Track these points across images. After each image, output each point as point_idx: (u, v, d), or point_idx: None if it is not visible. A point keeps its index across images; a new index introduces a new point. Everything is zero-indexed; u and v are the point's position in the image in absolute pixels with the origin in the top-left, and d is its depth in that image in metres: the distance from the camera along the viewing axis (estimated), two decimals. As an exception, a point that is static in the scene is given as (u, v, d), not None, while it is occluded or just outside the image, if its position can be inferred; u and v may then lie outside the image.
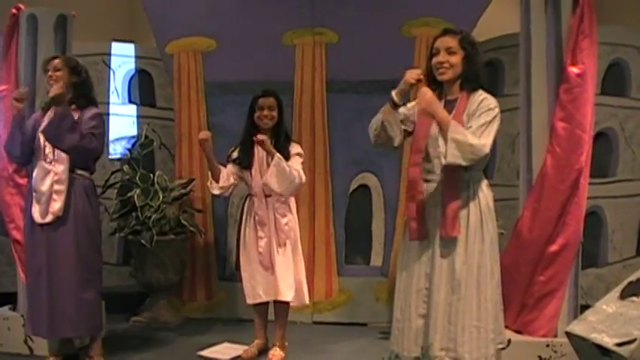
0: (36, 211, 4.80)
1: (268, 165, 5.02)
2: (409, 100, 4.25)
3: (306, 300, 5.30)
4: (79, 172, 4.88)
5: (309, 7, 6.30)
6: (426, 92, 3.91)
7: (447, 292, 3.92)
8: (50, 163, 4.79)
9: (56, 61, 4.88)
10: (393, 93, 4.04)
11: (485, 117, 3.88)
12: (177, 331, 6.10)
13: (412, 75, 3.99)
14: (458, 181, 3.91)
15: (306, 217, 6.29)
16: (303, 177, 5.10)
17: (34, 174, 4.84)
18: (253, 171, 5.15)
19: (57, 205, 4.76)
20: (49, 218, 4.76)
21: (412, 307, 4.03)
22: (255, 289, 5.22)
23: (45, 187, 4.76)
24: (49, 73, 4.84)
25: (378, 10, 6.19)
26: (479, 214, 3.93)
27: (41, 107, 4.97)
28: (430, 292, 3.97)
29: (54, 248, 4.78)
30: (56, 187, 4.77)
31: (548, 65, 4.90)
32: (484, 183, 4.02)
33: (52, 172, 4.78)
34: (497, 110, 3.92)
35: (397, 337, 4.13)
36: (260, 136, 4.97)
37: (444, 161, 3.86)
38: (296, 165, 5.09)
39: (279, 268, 5.12)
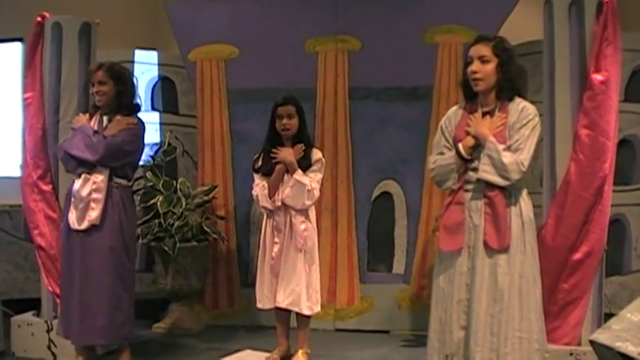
0: (72, 217, 4.82)
1: (288, 172, 5.08)
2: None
3: (318, 308, 5.24)
4: (118, 180, 4.90)
5: (331, 15, 6.32)
6: (480, 126, 3.94)
7: (488, 303, 3.89)
8: (89, 171, 4.82)
9: (100, 73, 4.87)
10: (463, 152, 4.00)
11: (525, 129, 3.88)
12: (199, 338, 6.11)
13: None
14: (504, 192, 3.90)
15: (329, 225, 6.30)
16: (317, 195, 5.13)
17: (77, 180, 4.85)
18: None
19: (94, 213, 4.77)
20: (84, 225, 4.78)
21: (453, 318, 3.99)
22: (264, 293, 5.24)
23: (84, 194, 4.78)
24: (95, 88, 4.87)
25: (401, 18, 6.20)
26: (520, 224, 3.91)
27: (89, 112, 5.03)
28: (470, 303, 3.94)
29: (88, 255, 4.80)
30: (94, 195, 4.78)
31: (571, 72, 4.89)
32: (525, 192, 4.00)
33: (91, 180, 4.80)
34: (536, 119, 3.92)
35: (437, 348, 4.09)
36: (280, 155, 5.07)
37: (471, 173, 3.89)
38: (316, 178, 5.12)
39: (283, 273, 5.12)
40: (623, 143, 5.96)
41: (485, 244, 3.90)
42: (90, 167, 4.80)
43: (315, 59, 6.38)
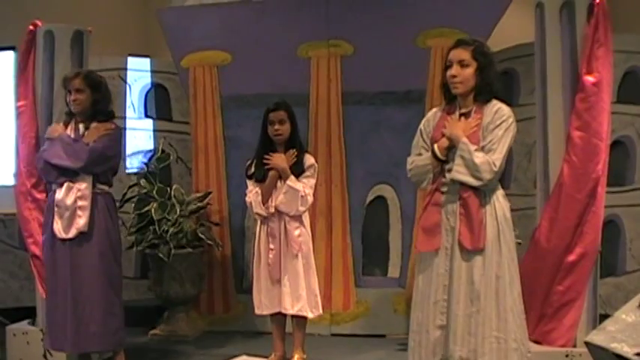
0: (58, 226, 4.81)
1: (281, 178, 5.08)
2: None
3: (319, 311, 5.26)
4: (101, 186, 4.90)
5: (323, 20, 6.31)
6: (454, 127, 3.95)
7: (465, 303, 3.92)
8: (72, 179, 4.82)
9: (77, 81, 4.86)
10: (438, 152, 4.03)
11: (498, 130, 3.91)
12: (195, 344, 6.11)
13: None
14: (478, 193, 3.92)
15: (323, 229, 6.29)
16: (311, 200, 5.14)
17: (59, 189, 4.84)
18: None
19: (82, 220, 4.77)
20: (72, 233, 4.77)
21: (430, 318, 4.03)
22: (262, 299, 5.24)
23: (69, 202, 4.78)
24: (73, 96, 4.86)
25: (393, 22, 6.19)
26: (496, 225, 3.93)
27: (63, 121, 5.02)
28: (449, 303, 3.96)
29: (78, 263, 4.79)
30: (80, 202, 4.78)
31: (563, 74, 4.90)
32: (500, 193, 4.02)
33: (75, 188, 4.80)
34: (510, 120, 3.94)
35: (414, 348, 4.13)
36: (273, 162, 5.08)
37: (448, 175, 3.92)
38: (309, 183, 5.13)
39: (287, 280, 5.12)
40: (615, 144, 5.96)
41: (460, 245, 3.93)
42: (72, 175, 4.81)
43: (308, 64, 6.38)
